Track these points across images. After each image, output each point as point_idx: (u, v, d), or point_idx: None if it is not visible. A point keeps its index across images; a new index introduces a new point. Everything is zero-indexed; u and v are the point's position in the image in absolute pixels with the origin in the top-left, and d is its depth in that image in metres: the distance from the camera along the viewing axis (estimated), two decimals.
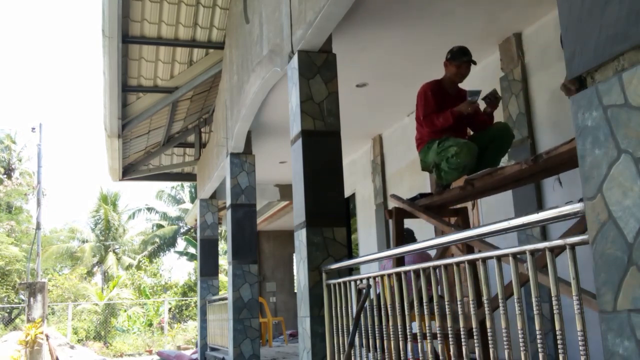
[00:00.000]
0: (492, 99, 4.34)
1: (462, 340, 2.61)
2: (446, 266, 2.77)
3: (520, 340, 2.21)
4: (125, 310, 21.49)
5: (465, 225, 4.70)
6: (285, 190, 11.59)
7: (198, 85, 8.77)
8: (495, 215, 5.70)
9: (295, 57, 4.58)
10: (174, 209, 29.30)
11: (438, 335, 2.86)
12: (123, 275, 24.73)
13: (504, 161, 4.43)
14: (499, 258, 2.37)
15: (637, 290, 1.58)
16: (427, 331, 3.02)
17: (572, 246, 1.97)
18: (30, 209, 25.12)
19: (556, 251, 2.11)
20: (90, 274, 26.32)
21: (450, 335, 2.74)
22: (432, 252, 4.89)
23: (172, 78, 8.66)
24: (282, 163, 9.90)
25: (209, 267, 10.54)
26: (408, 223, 4.71)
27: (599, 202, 1.72)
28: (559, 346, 2.03)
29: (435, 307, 2.89)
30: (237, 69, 7.15)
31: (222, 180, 8.89)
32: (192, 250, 27.36)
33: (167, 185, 28.78)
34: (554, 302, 2.06)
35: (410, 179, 7.70)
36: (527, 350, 2.21)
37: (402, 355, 3.28)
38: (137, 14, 7.45)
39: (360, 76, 6.33)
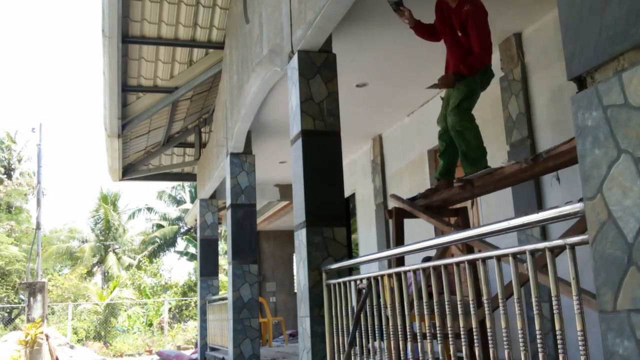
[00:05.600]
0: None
1: (462, 340, 2.61)
2: (446, 266, 2.77)
3: (520, 340, 2.21)
4: (125, 310, 21.49)
5: (465, 225, 4.70)
6: (285, 190, 11.59)
7: (198, 85, 8.77)
8: (495, 215, 5.70)
9: (295, 57, 4.58)
10: (174, 209, 29.31)
11: (438, 335, 2.86)
12: (124, 276, 24.72)
13: (504, 161, 4.43)
14: (499, 258, 2.37)
15: (637, 290, 1.58)
16: (427, 331, 3.02)
17: (572, 246, 1.97)
18: (30, 209, 25.15)
19: (556, 251, 2.11)
20: (90, 274, 26.31)
21: (450, 335, 2.75)
22: (433, 252, 4.89)
23: (172, 78, 8.66)
24: (282, 163, 9.90)
25: (209, 267, 10.54)
26: (408, 223, 4.71)
27: (599, 202, 1.72)
28: (559, 346, 2.03)
29: (436, 307, 2.89)
30: (237, 69, 7.15)
31: (222, 180, 8.89)
32: (192, 250, 27.37)
33: (167, 186, 28.82)
34: (554, 302, 2.06)
35: (410, 179, 7.70)
36: (527, 350, 2.21)
37: (402, 356, 3.28)
38: (137, 14, 7.45)
39: (360, 76, 6.33)
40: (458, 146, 4.18)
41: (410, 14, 4.33)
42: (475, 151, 4.11)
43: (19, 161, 25.98)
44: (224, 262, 21.60)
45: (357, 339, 3.71)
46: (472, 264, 2.58)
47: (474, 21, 4.05)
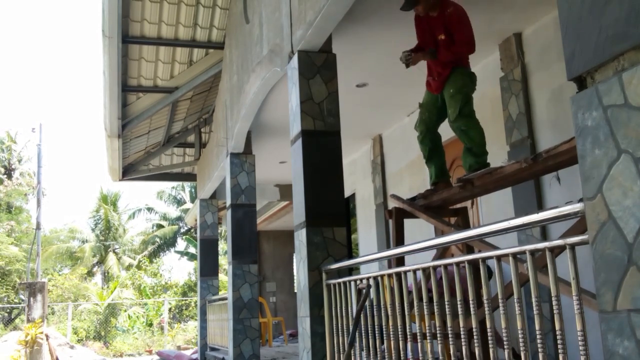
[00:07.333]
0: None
1: (462, 340, 2.61)
2: (446, 266, 2.77)
3: (520, 340, 2.21)
4: (125, 310, 21.49)
5: (465, 225, 4.70)
6: (285, 190, 11.58)
7: (198, 85, 8.77)
8: (495, 215, 5.70)
9: (295, 57, 4.58)
10: (174, 209, 29.31)
11: (438, 335, 2.86)
12: (124, 276, 24.71)
13: (504, 160, 4.43)
14: (499, 258, 2.37)
15: (637, 290, 1.58)
16: (427, 331, 3.02)
17: (572, 246, 1.97)
18: (30, 209, 25.14)
19: (556, 251, 2.11)
20: (90, 274, 26.31)
21: (450, 335, 2.74)
22: (432, 252, 4.88)
23: (172, 78, 8.66)
24: (282, 163, 9.90)
25: (209, 267, 10.53)
26: (408, 223, 4.71)
27: (599, 202, 1.72)
28: (559, 346, 2.03)
29: (436, 307, 2.89)
30: (237, 69, 7.15)
31: (222, 180, 8.89)
32: (192, 250, 27.37)
33: (167, 186, 28.83)
34: (554, 302, 2.06)
35: (410, 179, 7.70)
36: (527, 350, 2.21)
37: (402, 355, 3.28)
38: (137, 14, 7.45)
39: (360, 76, 6.32)
40: (463, 143, 4.23)
41: (415, 57, 4.42)
42: (479, 148, 4.19)
43: (19, 161, 25.99)
44: (224, 262, 21.61)
45: (357, 339, 3.71)
46: (472, 264, 2.58)
47: (459, 21, 4.19)
